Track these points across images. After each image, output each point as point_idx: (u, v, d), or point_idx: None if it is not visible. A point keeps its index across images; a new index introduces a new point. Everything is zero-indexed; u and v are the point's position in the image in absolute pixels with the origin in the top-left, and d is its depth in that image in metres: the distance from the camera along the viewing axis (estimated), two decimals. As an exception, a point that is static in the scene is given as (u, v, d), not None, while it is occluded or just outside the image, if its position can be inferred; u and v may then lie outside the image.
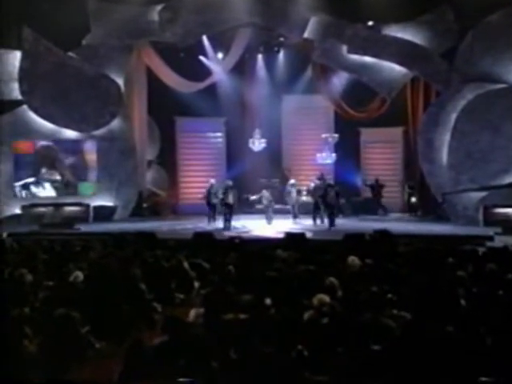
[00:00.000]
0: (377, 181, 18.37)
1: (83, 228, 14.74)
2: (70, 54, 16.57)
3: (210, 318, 4.90)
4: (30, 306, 5.50)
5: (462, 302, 5.25)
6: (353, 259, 7.28)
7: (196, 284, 7.32)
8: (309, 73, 19.05)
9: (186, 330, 4.43)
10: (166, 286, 6.91)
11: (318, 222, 15.61)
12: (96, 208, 16.74)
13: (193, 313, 5.13)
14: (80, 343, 4.61)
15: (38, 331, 4.70)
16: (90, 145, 16.94)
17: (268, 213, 15.51)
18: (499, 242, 11.30)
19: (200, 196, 16.38)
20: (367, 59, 16.45)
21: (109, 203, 17.08)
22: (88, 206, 16.58)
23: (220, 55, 18.75)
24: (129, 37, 16.63)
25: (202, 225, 15.31)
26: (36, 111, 16.15)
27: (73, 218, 15.82)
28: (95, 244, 10.12)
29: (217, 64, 18.60)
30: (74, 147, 16.92)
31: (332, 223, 14.73)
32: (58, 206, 16.24)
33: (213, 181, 16.21)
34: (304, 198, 17.21)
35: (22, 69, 15.77)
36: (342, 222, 15.47)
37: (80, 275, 6.68)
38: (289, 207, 16.39)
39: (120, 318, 5.23)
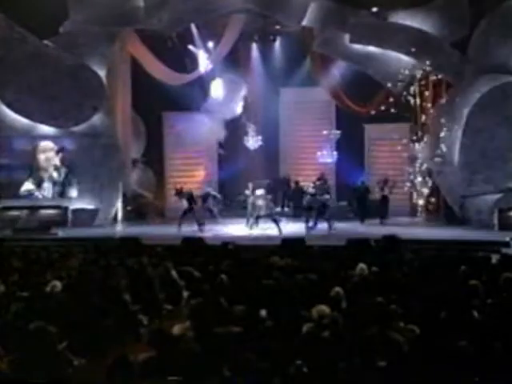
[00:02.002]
0: (362, 182, 18.10)
1: (61, 233, 14.71)
2: (47, 42, 16.53)
3: (201, 331, 4.89)
4: (2, 320, 5.47)
5: (476, 314, 5.26)
6: (356, 267, 7.29)
7: (185, 294, 7.31)
8: (308, 64, 19.07)
9: (174, 345, 4.43)
10: (152, 296, 6.91)
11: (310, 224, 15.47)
12: (75, 211, 16.68)
13: (177, 327, 5.12)
14: (57, 360, 4.59)
15: (11, 348, 4.67)
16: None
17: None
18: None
19: None
20: (372, 49, 16.50)
21: (90, 206, 16.99)
22: (67, 208, 16.53)
23: (211, 44, 18.71)
24: (111, 24, 16.57)
25: (192, 229, 15.28)
26: (9, 105, 16.09)
27: (50, 222, 15.77)
28: (75, 251, 10.11)
29: (207, 54, 18.58)
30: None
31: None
32: (33, 208, 16.19)
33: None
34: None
35: (-7, 58, 15.75)
36: (342, 227, 15.45)
37: (58, 285, 6.66)
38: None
39: (102, 332, 5.22)
